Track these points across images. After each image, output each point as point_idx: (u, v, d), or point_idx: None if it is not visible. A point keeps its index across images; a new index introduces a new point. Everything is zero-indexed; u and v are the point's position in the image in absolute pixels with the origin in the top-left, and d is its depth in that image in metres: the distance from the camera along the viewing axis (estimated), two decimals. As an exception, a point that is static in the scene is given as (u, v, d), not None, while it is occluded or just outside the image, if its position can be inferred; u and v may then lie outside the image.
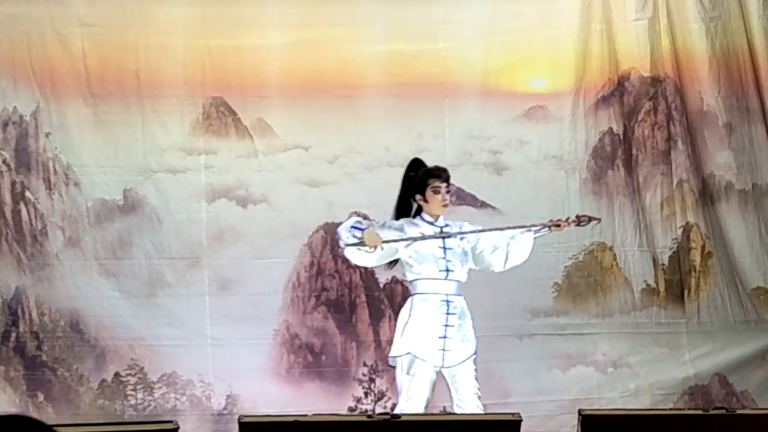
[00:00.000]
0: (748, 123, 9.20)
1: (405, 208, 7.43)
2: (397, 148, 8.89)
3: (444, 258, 7.27)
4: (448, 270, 7.25)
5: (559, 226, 7.41)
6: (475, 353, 7.31)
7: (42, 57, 8.69)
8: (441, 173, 7.39)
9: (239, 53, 8.89)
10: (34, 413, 8.40)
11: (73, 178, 8.75)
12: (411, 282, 7.34)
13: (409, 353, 7.18)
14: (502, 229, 7.53)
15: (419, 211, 7.39)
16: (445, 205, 7.36)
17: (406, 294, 8.79)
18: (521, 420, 6.15)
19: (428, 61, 9.00)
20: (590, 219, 7.53)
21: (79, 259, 8.62)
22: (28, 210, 8.69)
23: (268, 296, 8.82)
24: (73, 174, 8.75)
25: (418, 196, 7.37)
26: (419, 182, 7.38)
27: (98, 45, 8.76)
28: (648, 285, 9.08)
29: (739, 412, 6.81)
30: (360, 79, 8.81)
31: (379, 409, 8.68)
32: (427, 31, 9.03)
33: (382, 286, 8.96)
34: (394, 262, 7.39)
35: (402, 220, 7.38)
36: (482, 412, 7.23)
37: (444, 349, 7.19)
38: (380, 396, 8.85)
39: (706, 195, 9.18)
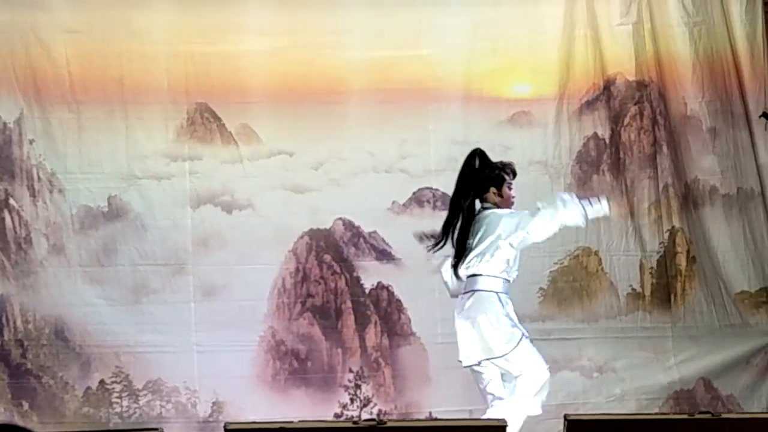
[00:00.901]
0: (732, 127, 9.23)
1: (464, 199, 7.33)
2: (382, 154, 8.95)
3: None
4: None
5: None
6: None
7: (25, 64, 8.72)
8: (513, 169, 7.43)
9: (223, 59, 8.91)
10: (19, 422, 8.38)
11: (57, 185, 8.76)
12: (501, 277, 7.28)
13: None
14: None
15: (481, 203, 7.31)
16: (512, 203, 7.40)
17: (392, 299, 8.78)
18: (506, 425, 6.15)
19: (412, 67, 9.03)
20: None
21: (63, 267, 8.63)
22: (12, 217, 8.69)
23: (253, 302, 8.81)
24: (57, 181, 8.76)
25: (493, 190, 7.32)
26: (497, 176, 7.34)
27: (82, 52, 8.79)
28: (633, 289, 9.10)
29: (724, 416, 6.85)
30: (344, 85, 8.84)
31: (365, 415, 8.68)
32: (411, 37, 9.06)
33: (367, 291, 8.98)
34: None
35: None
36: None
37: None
38: (366, 402, 8.85)
39: (691, 199, 9.21)
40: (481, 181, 7.33)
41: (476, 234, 7.23)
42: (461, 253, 7.25)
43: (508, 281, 7.28)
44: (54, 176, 8.75)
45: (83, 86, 8.76)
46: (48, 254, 8.69)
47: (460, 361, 7.28)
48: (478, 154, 7.39)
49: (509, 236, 7.20)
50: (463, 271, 7.26)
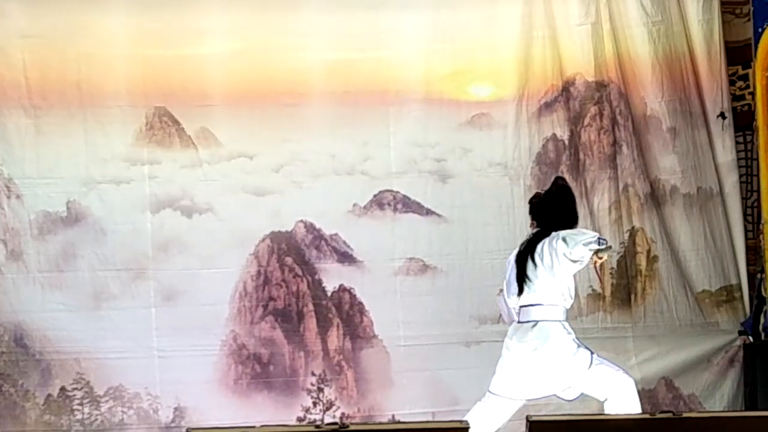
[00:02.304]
0: (691, 127, 9.32)
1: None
2: (343, 156, 8.96)
3: None
4: None
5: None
6: None
7: None
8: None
9: (181, 63, 8.88)
10: None
11: (14, 191, 8.70)
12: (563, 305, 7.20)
13: None
14: None
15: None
16: None
17: (354, 302, 8.80)
18: (469, 427, 6.09)
19: (371, 69, 9.04)
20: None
21: (22, 272, 8.57)
22: None
23: (214, 307, 8.80)
24: (15, 186, 8.70)
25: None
26: None
27: (39, 56, 8.73)
28: (593, 290, 9.13)
29: (685, 415, 6.76)
30: (304, 87, 8.83)
31: (327, 419, 8.69)
32: (370, 39, 9.06)
33: (329, 294, 8.99)
34: None
35: None
36: None
37: None
38: (329, 405, 8.86)
39: (652, 199, 9.26)
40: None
41: (541, 261, 7.10)
42: (522, 280, 7.13)
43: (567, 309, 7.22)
44: (11, 181, 8.68)
45: (41, 91, 8.71)
46: (6, 260, 8.62)
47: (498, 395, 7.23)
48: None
49: (565, 262, 7.09)
50: (525, 298, 7.12)
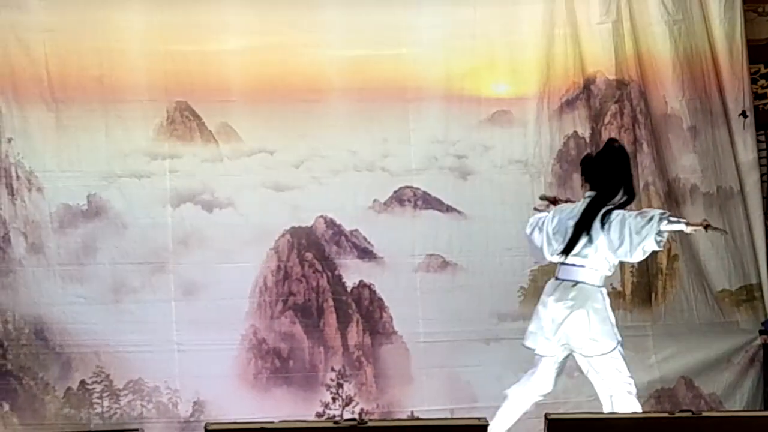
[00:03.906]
0: (711, 126, 9.29)
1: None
2: (362, 152, 8.97)
3: None
4: None
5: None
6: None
7: (3, 63, 8.71)
8: None
9: (203, 58, 8.91)
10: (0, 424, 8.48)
11: (35, 184, 8.75)
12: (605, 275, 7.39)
13: None
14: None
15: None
16: None
17: (374, 298, 8.77)
18: (488, 425, 6.18)
19: (391, 65, 9.05)
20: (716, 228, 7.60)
21: (42, 266, 8.62)
22: None
23: (234, 301, 8.81)
24: (36, 179, 8.74)
25: None
26: None
27: (60, 51, 8.78)
28: (614, 288, 9.06)
29: (704, 414, 6.80)
30: (324, 83, 8.84)
31: (347, 415, 8.71)
32: (390, 36, 9.07)
33: (349, 290, 8.99)
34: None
35: None
36: None
37: None
38: (348, 401, 8.87)
39: (672, 198, 9.24)
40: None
41: (607, 230, 7.21)
42: (575, 242, 7.25)
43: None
44: (32, 174, 8.73)
45: (62, 85, 8.75)
46: (27, 253, 8.67)
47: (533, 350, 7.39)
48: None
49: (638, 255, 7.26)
50: (572, 258, 7.27)
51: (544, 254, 7.43)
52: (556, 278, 7.38)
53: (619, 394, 7.44)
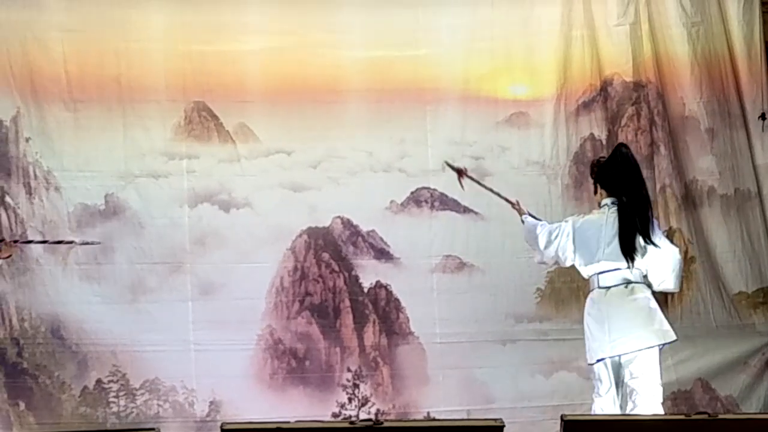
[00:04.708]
0: (729, 128, 9.34)
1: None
2: (380, 153, 9.03)
3: None
4: None
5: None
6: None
7: (22, 62, 8.77)
8: None
9: (221, 58, 8.97)
10: (15, 422, 8.52)
11: (53, 183, 8.80)
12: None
13: None
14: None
15: None
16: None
17: (390, 299, 8.80)
18: (504, 426, 6.17)
19: (409, 67, 9.12)
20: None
21: (59, 265, 8.65)
22: (8, 215, 8.72)
23: (251, 301, 8.86)
24: (54, 179, 8.80)
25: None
26: None
27: (79, 50, 8.84)
28: None
29: (721, 416, 6.84)
30: (342, 84, 8.90)
31: (363, 415, 8.74)
32: (408, 37, 9.14)
33: (366, 290, 9.03)
34: None
35: None
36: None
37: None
38: (364, 401, 8.90)
39: (689, 200, 9.29)
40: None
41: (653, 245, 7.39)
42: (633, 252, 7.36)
43: None
44: (50, 174, 8.79)
45: (80, 85, 8.82)
46: (44, 252, 8.70)
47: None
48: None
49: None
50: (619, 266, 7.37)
51: (569, 260, 7.50)
52: (601, 287, 7.42)
53: (643, 398, 7.51)
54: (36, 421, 8.62)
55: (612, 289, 7.35)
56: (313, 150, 9.02)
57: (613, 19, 9.27)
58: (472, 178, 8.04)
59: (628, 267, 7.36)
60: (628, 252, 7.33)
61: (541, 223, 7.63)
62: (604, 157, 7.66)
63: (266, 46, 8.99)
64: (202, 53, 8.96)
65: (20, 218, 8.73)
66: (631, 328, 7.32)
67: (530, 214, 7.78)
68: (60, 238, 8.67)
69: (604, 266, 7.36)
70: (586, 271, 7.43)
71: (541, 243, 7.52)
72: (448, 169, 8.77)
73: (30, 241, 8.12)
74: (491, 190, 7.98)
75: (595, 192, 7.58)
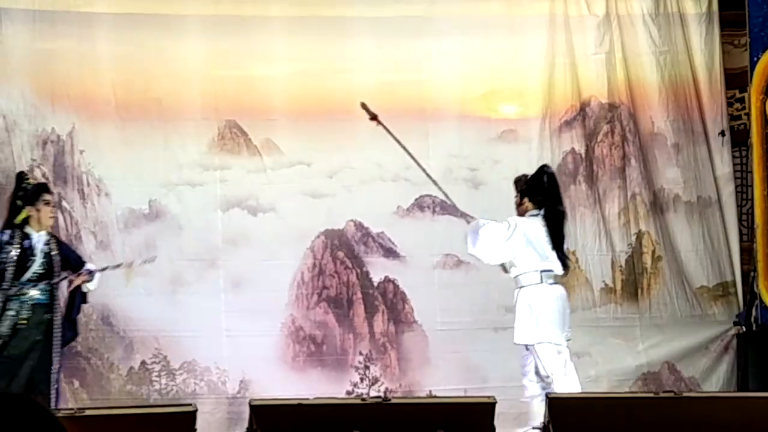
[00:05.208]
0: (693, 143, 9.61)
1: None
2: (388, 164, 9.23)
3: None
4: None
5: None
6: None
7: (77, 86, 9.09)
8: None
9: (249, 82, 9.24)
10: (71, 399, 8.69)
11: (104, 190, 9.10)
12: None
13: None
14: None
15: None
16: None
17: (397, 291, 8.95)
18: (496, 402, 6.45)
19: (413, 90, 9.35)
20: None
21: (109, 260, 8.64)
22: (64, 217, 8.97)
23: (275, 293, 9.11)
24: (104, 186, 9.10)
25: None
26: None
27: (125, 76, 9.14)
28: (606, 285, 9.47)
29: (685, 394, 7.21)
30: (354, 104, 8.52)
31: (373, 393, 8.95)
32: (412, 64, 9.39)
33: (376, 284, 9.33)
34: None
35: None
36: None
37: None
38: (374, 381, 9.17)
39: (657, 206, 9.52)
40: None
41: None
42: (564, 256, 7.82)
43: None
44: (101, 182, 9.06)
45: (127, 105, 9.07)
46: (96, 249, 8.94)
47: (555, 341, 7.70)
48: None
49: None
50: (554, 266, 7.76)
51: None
52: (546, 282, 7.75)
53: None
54: (88, 398, 8.78)
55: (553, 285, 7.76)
56: (329, 161, 9.24)
57: (591, 49, 9.51)
58: (384, 127, 7.98)
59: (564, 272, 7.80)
60: (563, 258, 7.76)
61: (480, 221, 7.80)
62: (526, 175, 7.84)
63: (289, 72, 9.25)
64: (233, 78, 9.21)
65: (75, 220, 8.97)
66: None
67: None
68: (109, 238, 8.95)
69: (546, 265, 7.68)
70: (535, 266, 7.71)
71: (499, 236, 7.66)
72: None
73: (92, 272, 7.84)
74: (405, 149, 8.09)
75: (520, 203, 7.80)
